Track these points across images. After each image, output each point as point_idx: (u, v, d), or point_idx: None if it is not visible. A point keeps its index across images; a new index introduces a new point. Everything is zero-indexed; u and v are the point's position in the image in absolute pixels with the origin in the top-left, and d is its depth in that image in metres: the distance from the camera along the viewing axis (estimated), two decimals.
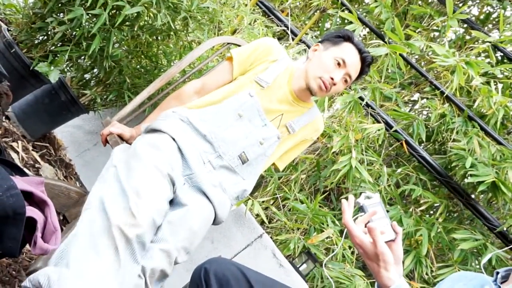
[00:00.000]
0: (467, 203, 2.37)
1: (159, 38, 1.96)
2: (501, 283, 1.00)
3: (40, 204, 0.86)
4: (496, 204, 2.70)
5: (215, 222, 1.30)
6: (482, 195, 2.70)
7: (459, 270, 2.09)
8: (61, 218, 1.60)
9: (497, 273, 1.04)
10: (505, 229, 2.20)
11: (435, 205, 2.64)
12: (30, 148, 1.93)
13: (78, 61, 1.87)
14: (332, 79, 1.42)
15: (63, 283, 0.89)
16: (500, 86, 2.43)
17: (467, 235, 2.17)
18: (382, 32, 2.62)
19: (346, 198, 0.98)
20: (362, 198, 0.98)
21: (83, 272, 0.93)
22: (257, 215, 2.09)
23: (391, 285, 0.87)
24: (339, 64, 1.44)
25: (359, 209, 0.98)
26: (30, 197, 0.85)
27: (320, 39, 1.56)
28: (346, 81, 1.47)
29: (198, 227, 1.18)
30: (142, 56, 1.99)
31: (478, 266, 2.23)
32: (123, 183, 1.08)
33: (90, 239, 0.98)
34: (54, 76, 1.65)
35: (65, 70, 1.89)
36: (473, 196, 2.50)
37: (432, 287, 2.18)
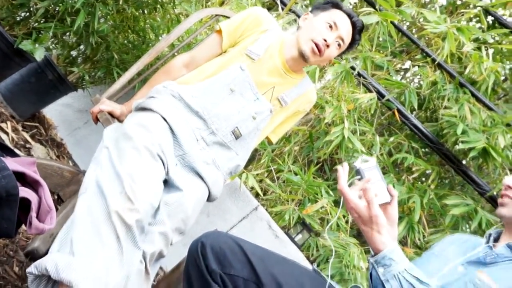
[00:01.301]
0: (458, 169, 2.40)
1: (145, 11, 1.92)
2: (493, 244, 1.02)
3: (33, 185, 0.86)
4: (486, 169, 2.75)
5: (209, 199, 1.31)
6: (473, 161, 2.74)
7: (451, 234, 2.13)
8: (56, 197, 1.60)
9: (490, 234, 1.06)
10: (495, 193, 2.24)
11: (427, 172, 2.68)
12: (20, 128, 1.90)
13: (63, 37, 1.82)
14: (325, 40, 1.40)
15: (70, 272, 0.88)
16: (491, 51, 2.42)
17: (458, 201, 2.21)
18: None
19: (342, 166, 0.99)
20: (358, 162, 0.99)
21: (90, 261, 0.92)
22: (252, 188, 2.11)
23: (384, 249, 0.89)
24: (330, 26, 1.42)
25: (356, 172, 0.99)
26: (22, 178, 0.84)
27: (310, 9, 1.53)
28: (339, 45, 1.45)
29: (193, 209, 1.19)
30: (129, 30, 1.94)
31: (468, 230, 2.29)
32: (116, 166, 1.06)
33: (92, 226, 0.97)
34: (39, 54, 1.61)
35: (51, 47, 1.85)
36: (464, 162, 2.54)
37: (424, 252, 2.23)
